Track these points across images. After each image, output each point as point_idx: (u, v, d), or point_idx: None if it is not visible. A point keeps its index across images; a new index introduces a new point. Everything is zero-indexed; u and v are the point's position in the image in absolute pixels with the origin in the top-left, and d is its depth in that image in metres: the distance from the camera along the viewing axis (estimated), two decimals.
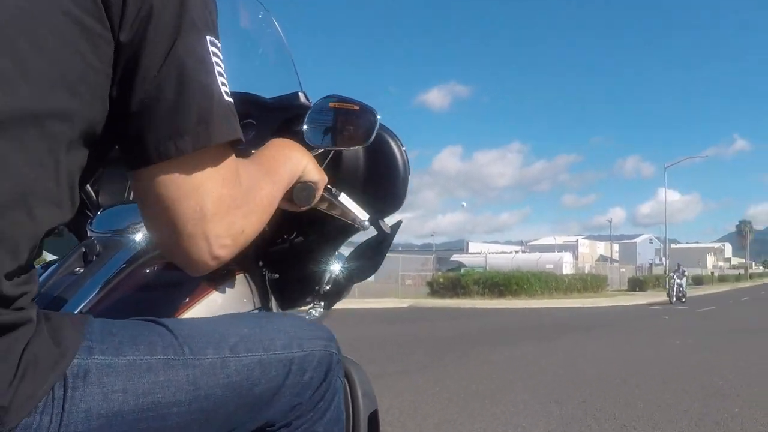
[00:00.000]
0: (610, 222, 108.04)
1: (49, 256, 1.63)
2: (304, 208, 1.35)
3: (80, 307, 1.23)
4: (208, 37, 0.94)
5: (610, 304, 31.33)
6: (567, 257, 68.09)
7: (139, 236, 1.38)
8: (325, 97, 1.50)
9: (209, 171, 0.93)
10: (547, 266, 54.42)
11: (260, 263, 1.66)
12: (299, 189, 1.29)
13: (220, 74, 0.94)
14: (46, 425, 0.81)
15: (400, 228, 1.67)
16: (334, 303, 1.76)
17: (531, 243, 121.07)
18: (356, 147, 1.52)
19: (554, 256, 68.15)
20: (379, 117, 1.44)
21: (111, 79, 0.89)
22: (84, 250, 1.40)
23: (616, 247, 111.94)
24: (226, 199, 0.96)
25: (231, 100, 0.95)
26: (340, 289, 1.73)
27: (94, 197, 1.65)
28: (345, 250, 1.77)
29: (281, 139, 1.30)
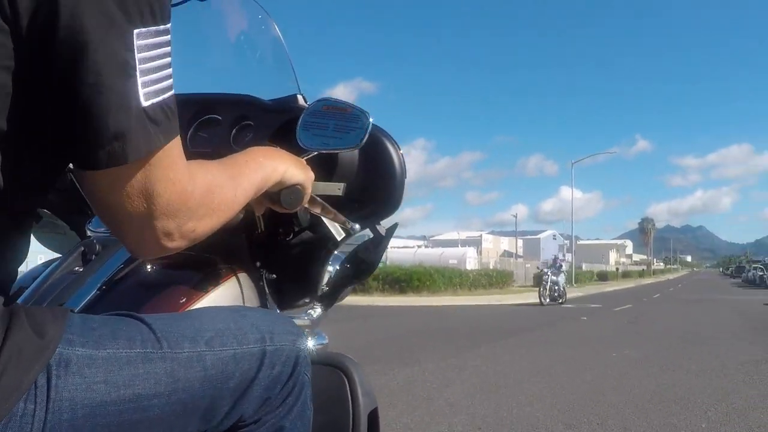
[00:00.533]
0: (515, 217, 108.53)
1: (50, 254, 1.79)
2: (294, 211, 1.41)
3: (79, 306, 1.28)
4: (135, 31, 0.88)
5: (518, 302, 29.62)
6: (471, 252, 67.05)
7: None
8: (318, 100, 1.55)
9: (155, 175, 0.92)
10: (451, 261, 53.54)
11: (258, 264, 1.68)
12: (286, 194, 1.31)
13: (150, 71, 0.89)
14: (30, 413, 0.84)
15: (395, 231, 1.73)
16: (332, 304, 1.81)
17: (434, 238, 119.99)
18: (349, 149, 1.52)
19: (458, 251, 66.91)
20: (371, 120, 1.48)
21: (17, 83, 0.86)
22: (83, 249, 1.44)
23: (520, 242, 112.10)
24: (176, 203, 0.95)
25: (161, 98, 0.91)
26: (337, 291, 1.78)
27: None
28: (343, 252, 1.79)
29: (260, 147, 1.31)
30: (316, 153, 1.52)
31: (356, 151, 1.59)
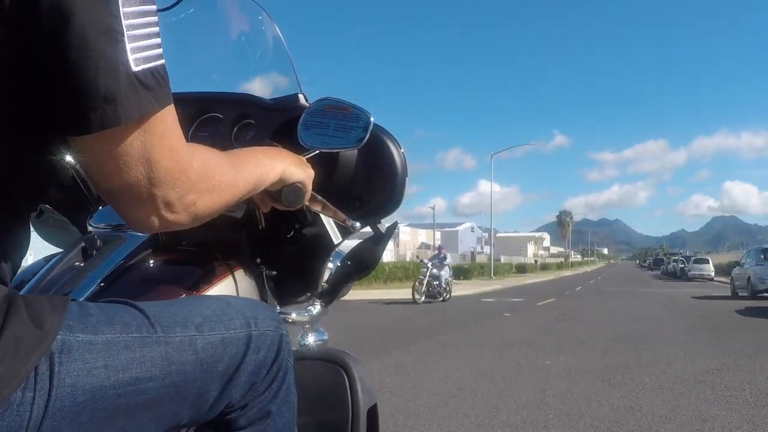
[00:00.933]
0: (433, 209, 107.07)
1: (50, 249, 1.77)
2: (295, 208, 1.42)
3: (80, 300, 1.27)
4: None
5: None
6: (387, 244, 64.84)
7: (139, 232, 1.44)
8: (319, 100, 1.57)
9: (152, 142, 0.93)
10: None
11: (258, 260, 1.71)
12: (287, 191, 1.34)
13: (138, 37, 0.91)
14: (29, 401, 0.85)
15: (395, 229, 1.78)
16: (332, 301, 1.85)
17: None
18: (350, 149, 1.55)
19: None
20: (372, 119, 1.51)
21: (3, 61, 0.89)
22: (84, 244, 1.46)
23: (438, 234, 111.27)
24: (175, 171, 0.96)
25: (151, 65, 0.92)
26: (337, 288, 1.82)
27: (96, 193, 1.64)
28: (344, 248, 1.84)
29: (261, 147, 1.36)
30: (316, 152, 1.54)
31: (356, 150, 1.61)
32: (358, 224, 1.63)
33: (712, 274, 55.69)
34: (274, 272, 1.74)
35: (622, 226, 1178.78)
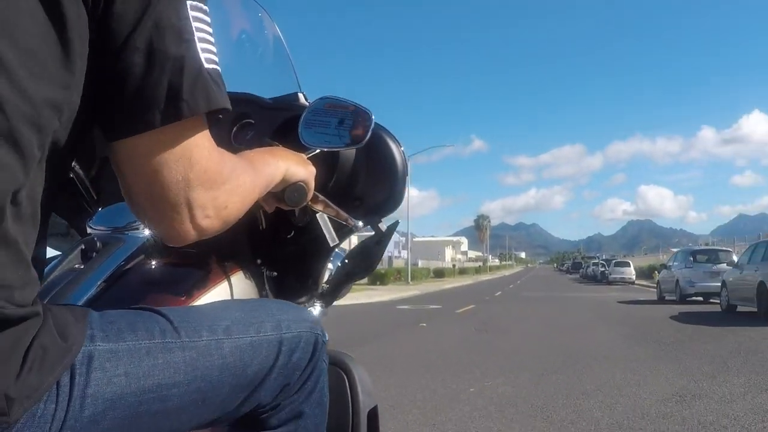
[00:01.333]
0: None
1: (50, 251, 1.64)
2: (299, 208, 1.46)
3: (80, 303, 1.28)
4: (188, 2, 0.95)
5: (354, 302, 25.75)
6: None
7: (138, 234, 1.46)
8: (320, 98, 1.59)
9: (194, 141, 0.96)
10: None
11: (258, 261, 1.71)
12: (290, 191, 1.36)
13: (203, 40, 0.96)
14: (50, 413, 0.86)
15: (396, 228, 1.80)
16: (332, 302, 1.84)
17: None
18: (352, 147, 1.57)
19: None
20: (374, 118, 1.52)
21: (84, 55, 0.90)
22: (83, 246, 1.46)
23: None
24: (212, 172, 0.99)
25: (214, 66, 0.97)
26: (337, 288, 1.82)
27: (95, 195, 1.68)
28: (344, 249, 1.89)
29: (263, 147, 1.37)
30: (318, 151, 1.56)
31: (356, 149, 1.63)
32: (360, 223, 1.63)
33: (633, 277, 55.09)
34: (275, 273, 1.74)
35: (539, 230, 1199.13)
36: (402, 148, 1.69)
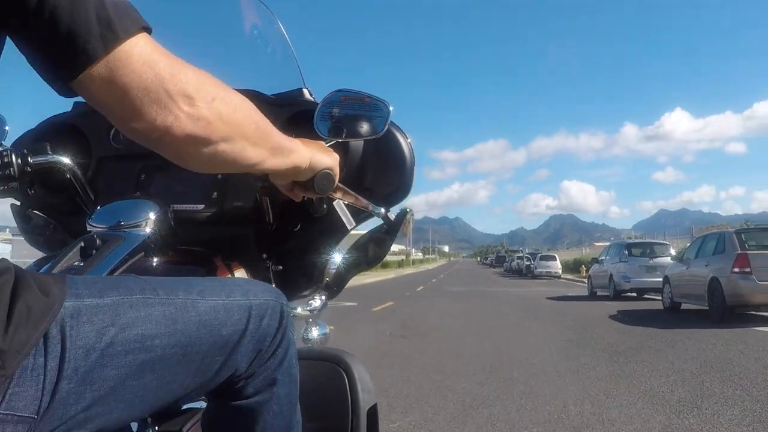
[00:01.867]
0: None
1: (39, 253, 1.84)
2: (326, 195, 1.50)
3: None
4: None
5: None
6: None
7: (138, 232, 1.48)
8: (336, 91, 1.61)
9: (149, 49, 0.99)
10: None
11: (264, 256, 1.75)
12: (320, 178, 1.39)
13: None
14: (41, 365, 0.89)
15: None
16: (337, 293, 1.86)
17: None
18: (370, 138, 1.59)
19: None
20: (391, 109, 1.56)
21: None
22: (83, 244, 1.44)
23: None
24: (176, 65, 1.02)
25: None
26: (342, 279, 1.83)
27: (91, 194, 1.69)
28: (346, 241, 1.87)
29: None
30: (333, 142, 1.56)
31: (364, 141, 1.66)
32: (382, 210, 1.63)
33: (560, 271, 53.86)
34: (280, 267, 1.76)
35: (463, 224, 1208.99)
36: (409, 140, 1.73)
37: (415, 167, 1.74)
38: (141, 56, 0.97)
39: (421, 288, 36.17)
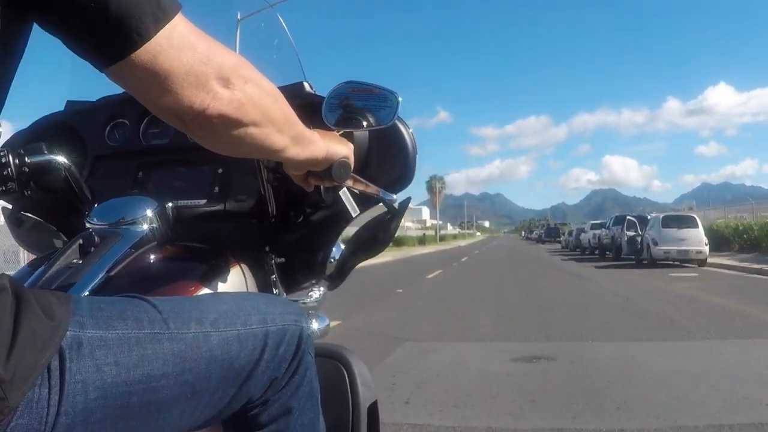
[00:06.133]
0: None
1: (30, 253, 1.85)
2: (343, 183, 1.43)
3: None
4: None
5: None
6: None
7: (137, 228, 1.45)
8: (344, 82, 1.56)
9: (187, 36, 0.95)
10: None
11: (267, 249, 1.69)
12: (337, 167, 1.35)
13: None
14: (45, 398, 0.83)
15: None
16: (339, 283, 1.80)
17: None
18: (380, 128, 1.55)
19: None
20: (400, 99, 1.51)
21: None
22: (81, 242, 1.42)
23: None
24: (215, 45, 0.98)
25: None
26: (344, 269, 1.77)
27: (88, 194, 1.62)
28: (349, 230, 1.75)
29: None
30: (341, 133, 1.51)
31: (367, 131, 1.60)
32: (394, 196, 1.62)
33: (706, 250, 24.17)
34: (283, 259, 1.69)
35: (504, 200, 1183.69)
36: (410, 130, 1.68)
37: (417, 156, 1.67)
38: (181, 38, 0.92)
39: (401, 290, 14.99)
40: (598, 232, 39.03)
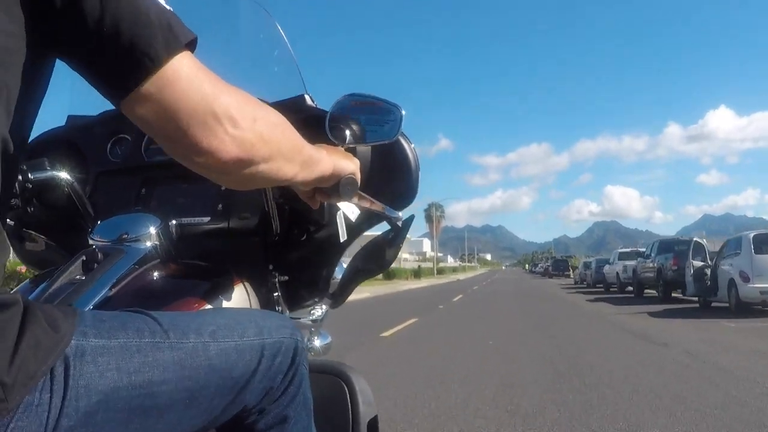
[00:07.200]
0: None
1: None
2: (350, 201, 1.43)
3: None
4: None
5: None
6: None
7: (140, 246, 1.43)
8: (347, 95, 1.54)
9: (194, 72, 0.96)
10: None
11: (270, 267, 1.67)
12: (345, 183, 1.33)
13: None
14: (47, 401, 0.86)
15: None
16: (342, 302, 1.77)
17: None
18: (383, 142, 1.53)
19: None
20: (403, 113, 1.49)
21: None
22: (84, 258, 1.40)
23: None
24: (222, 84, 0.99)
25: (170, 8, 0.98)
26: (347, 288, 1.74)
27: (91, 210, 1.63)
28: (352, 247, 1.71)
29: None
30: (345, 148, 1.49)
31: (370, 146, 1.59)
32: (400, 213, 1.58)
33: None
34: (286, 277, 1.68)
35: (505, 232, 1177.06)
36: (413, 145, 1.66)
37: (420, 172, 1.66)
38: (188, 75, 0.94)
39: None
40: (630, 263, 30.13)
